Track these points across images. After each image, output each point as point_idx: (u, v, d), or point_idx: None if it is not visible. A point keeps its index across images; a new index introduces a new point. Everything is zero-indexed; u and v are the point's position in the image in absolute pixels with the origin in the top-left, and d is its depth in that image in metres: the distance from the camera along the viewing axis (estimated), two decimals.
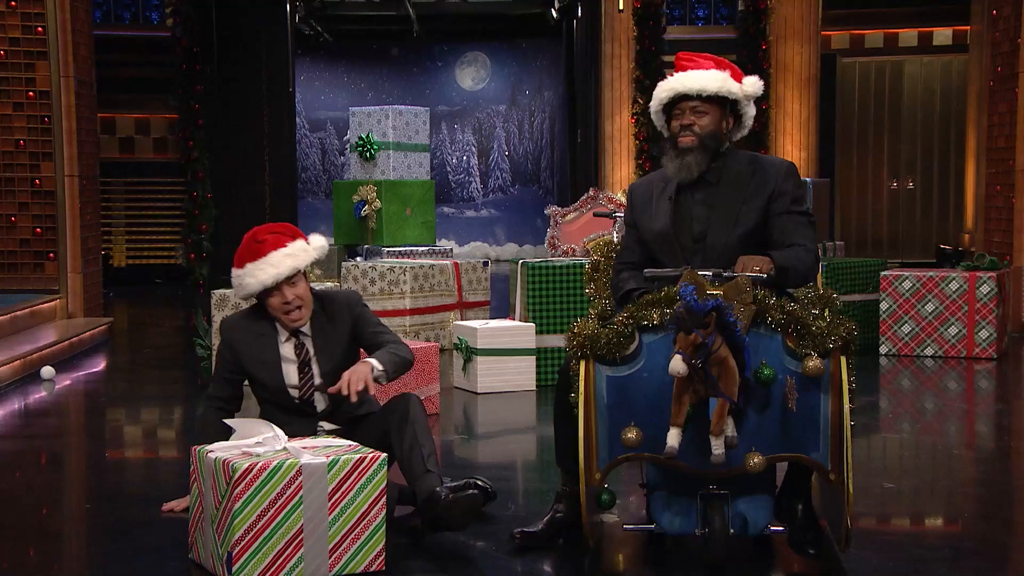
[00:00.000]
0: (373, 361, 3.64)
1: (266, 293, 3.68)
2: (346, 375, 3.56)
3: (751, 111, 3.44)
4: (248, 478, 3.09)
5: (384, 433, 3.65)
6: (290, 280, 3.67)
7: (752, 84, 3.41)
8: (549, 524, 3.52)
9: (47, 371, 6.86)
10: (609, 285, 3.56)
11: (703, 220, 3.34)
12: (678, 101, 3.37)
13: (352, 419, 3.79)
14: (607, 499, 3.25)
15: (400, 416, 3.62)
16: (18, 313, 7.84)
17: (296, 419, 3.73)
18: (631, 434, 3.05)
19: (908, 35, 13.71)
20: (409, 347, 3.83)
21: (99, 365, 7.65)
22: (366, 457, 3.23)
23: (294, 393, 3.74)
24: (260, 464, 3.12)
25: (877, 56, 13.81)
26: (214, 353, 6.42)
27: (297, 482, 3.14)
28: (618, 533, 3.64)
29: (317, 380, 3.74)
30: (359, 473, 3.21)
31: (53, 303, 8.49)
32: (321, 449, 3.28)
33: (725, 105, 3.38)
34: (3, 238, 8.65)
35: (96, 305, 9.12)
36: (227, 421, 3.62)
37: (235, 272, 3.72)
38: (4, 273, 8.63)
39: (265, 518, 3.11)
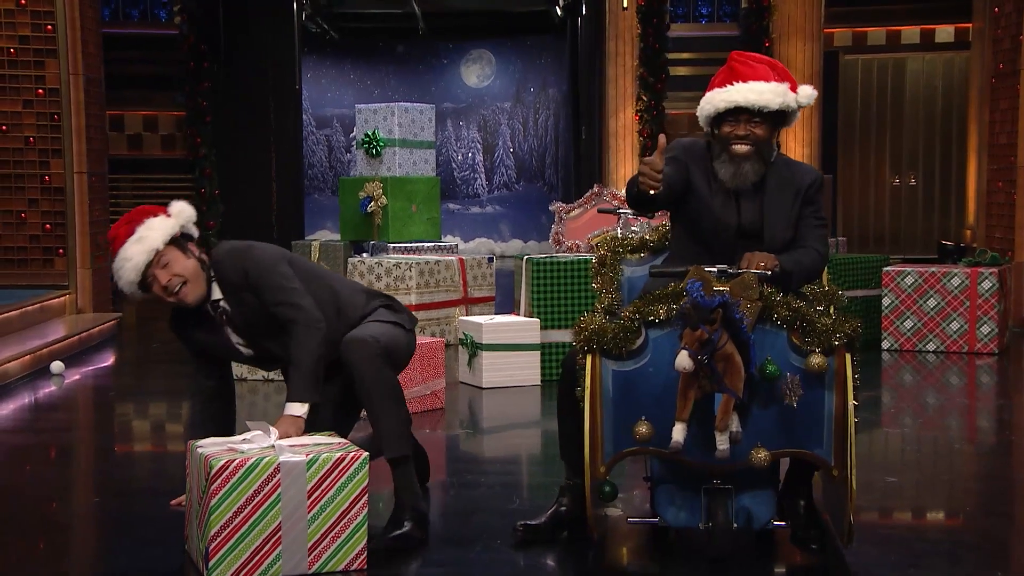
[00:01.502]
0: (294, 408, 3.37)
1: (145, 287, 3.48)
2: (281, 433, 3.32)
3: (796, 116, 3.39)
4: (225, 474, 3.06)
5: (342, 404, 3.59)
6: (158, 263, 3.44)
7: (807, 96, 3.34)
8: (553, 518, 3.51)
9: (56, 366, 6.86)
10: (613, 278, 3.54)
11: (753, 222, 3.30)
12: (736, 111, 3.26)
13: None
14: (609, 491, 3.24)
15: (355, 373, 3.46)
16: (28, 308, 7.84)
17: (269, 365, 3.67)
18: (643, 428, 3.03)
19: (910, 32, 13.67)
20: (310, 337, 3.42)
21: (108, 360, 7.65)
22: (346, 456, 3.18)
23: (246, 352, 3.61)
24: (237, 461, 3.09)
25: (879, 53, 13.77)
26: None
27: (275, 479, 3.10)
28: (622, 527, 3.63)
29: (239, 340, 3.59)
30: (340, 471, 3.17)
31: (62, 298, 8.49)
32: (307, 447, 3.24)
33: (780, 116, 3.31)
34: (13, 234, 8.65)
35: (105, 300, 9.12)
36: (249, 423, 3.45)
37: (114, 268, 3.52)
38: (14, 269, 8.63)
39: (242, 515, 3.09)
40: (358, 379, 3.48)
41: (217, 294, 3.54)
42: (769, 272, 3.09)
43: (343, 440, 3.35)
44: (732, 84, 3.25)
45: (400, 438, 3.51)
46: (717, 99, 3.27)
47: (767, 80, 3.25)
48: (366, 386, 3.48)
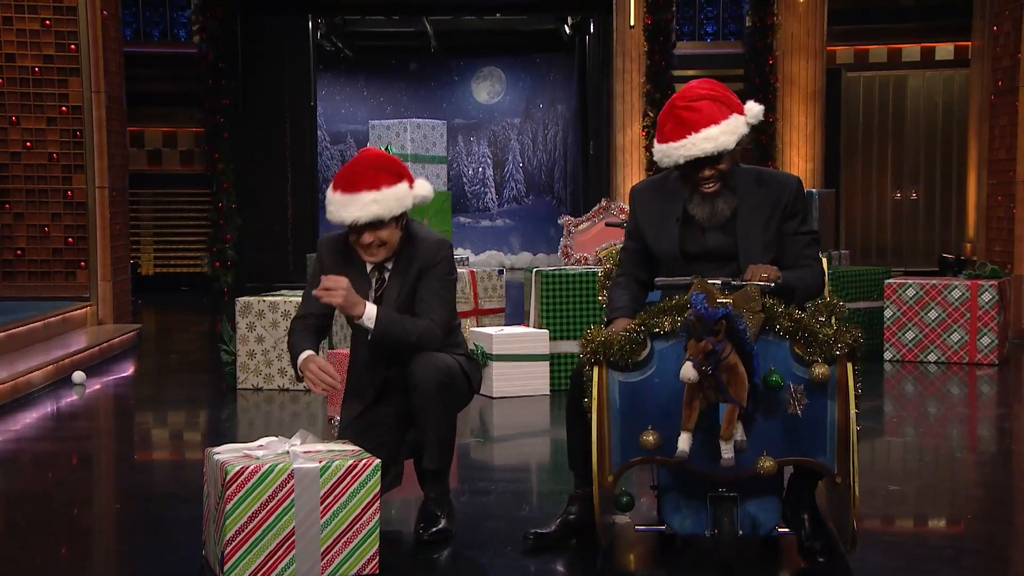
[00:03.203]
0: (370, 308, 3.46)
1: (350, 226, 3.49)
2: (343, 284, 3.40)
3: (759, 110, 3.30)
4: (240, 480, 3.08)
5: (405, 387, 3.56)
6: (372, 225, 3.46)
7: (755, 115, 3.25)
8: (562, 525, 3.51)
9: (78, 376, 6.89)
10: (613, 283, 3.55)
11: (721, 246, 3.28)
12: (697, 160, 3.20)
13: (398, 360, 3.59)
14: (626, 501, 3.24)
15: (422, 392, 3.47)
16: (51, 320, 7.88)
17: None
18: (650, 437, 3.03)
19: (911, 50, 13.66)
20: (428, 333, 3.51)
21: (128, 370, 7.68)
22: (359, 463, 3.20)
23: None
24: (252, 467, 3.11)
25: (881, 70, 13.76)
26: (238, 358, 6.45)
27: (289, 485, 3.12)
28: (630, 534, 3.63)
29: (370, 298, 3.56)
30: (352, 478, 3.18)
31: (84, 310, 8.53)
32: (320, 454, 3.26)
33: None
34: (36, 247, 8.70)
35: (125, 312, 9.16)
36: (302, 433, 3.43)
37: (328, 194, 3.50)
38: (37, 281, 8.68)
39: (256, 520, 3.10)
40: (424, 391, 3.48)
41: (390, 262, 3.57)
42: (772, 284, 3.09)
43: (356, 448, 3.36)
44: (686, 136, 3.16)
45: (445, 451, 3.56)
46: (676, 155, 3.19)
47: (717, 122, 3.17)
48: (431, 401, 3.49)
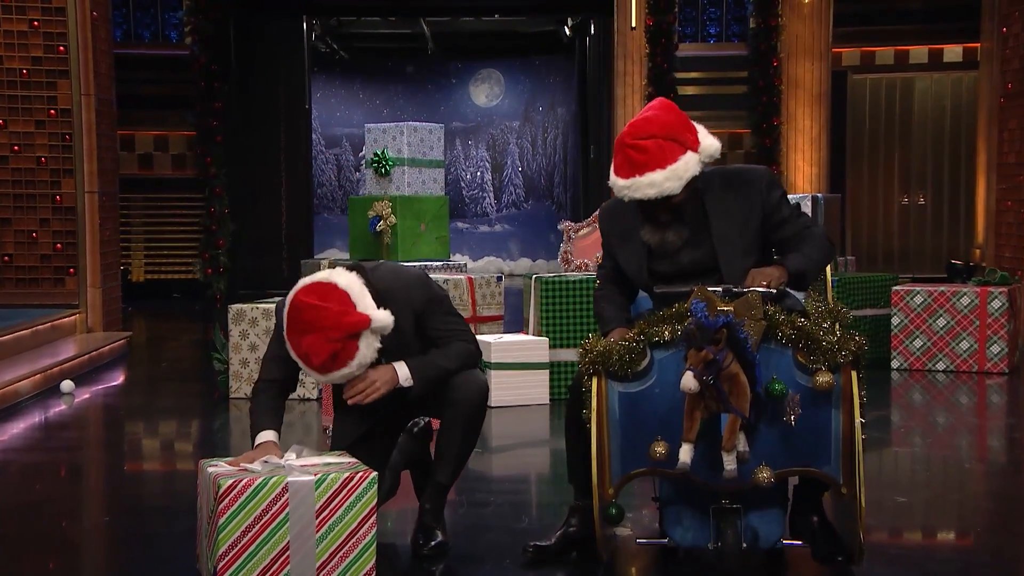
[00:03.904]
0: (401, 368, 3.43)
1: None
2: (370, 377, 3.37)
3: (716, 146, 3.22)
4: (233, 493, 3.08)
5: (435, 401, 3.55)
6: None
7: (709, 155, 3.18)
8: (562, 538, 3.51)
9: (67, 385, 6.89)
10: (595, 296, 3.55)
11: (700, 259, 3.26)
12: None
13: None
14: (616, 514, 3.25)
15: (459, 410, 3.49)
16: (39, 327, 7.88)
17: (380, 411, 3.55)
18: (660, 448, 3.02)
19: (918, 52, 13.70)
20: (464, 353, 3.51)
21: (118, 379, 7.68)
22: (355, 476, 3.19)
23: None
24: (245, 481, 3.11)
25: (887, 73, 13.80)
26: (231, 367, 6.45)
27: (283, 499, 3.12)
28: (631, 547, 3.64)
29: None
30: (348, 491, 3.18)
31: (73, 317, 8.54)
32: (316, 467, 3.25)
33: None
34: (24, 253, 8.71)
35: (115, 319, 9.16)
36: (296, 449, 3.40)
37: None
38: (25, 288, 8.69)
39: (250, 534, 3.10)
40: (462, 409, 3.49)
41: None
42: (774, 292, 3.09)
43: (353, 460, 3.36)
44: (631, 178, 3.13)
45: (460, 466, 3.61)
46: (622, 193, 3.18)
47: (663, 166, 3.09)
48: (465, 419, 3.51)
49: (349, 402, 3.41)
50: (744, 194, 3.26)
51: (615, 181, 3.20)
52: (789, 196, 3.54)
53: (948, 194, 13.74)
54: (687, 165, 3.14)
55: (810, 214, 7.71)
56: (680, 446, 3.00)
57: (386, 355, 3.42)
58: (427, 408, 3.66)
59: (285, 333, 3.31)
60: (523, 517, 4.07)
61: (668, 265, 3.30)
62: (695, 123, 3.25)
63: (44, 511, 4.31)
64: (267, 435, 3.42)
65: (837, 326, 3.13)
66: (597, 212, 8.98)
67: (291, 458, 3.31)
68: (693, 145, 3.17)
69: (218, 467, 3.26)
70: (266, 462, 3.26)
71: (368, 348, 3.29)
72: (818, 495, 3.39)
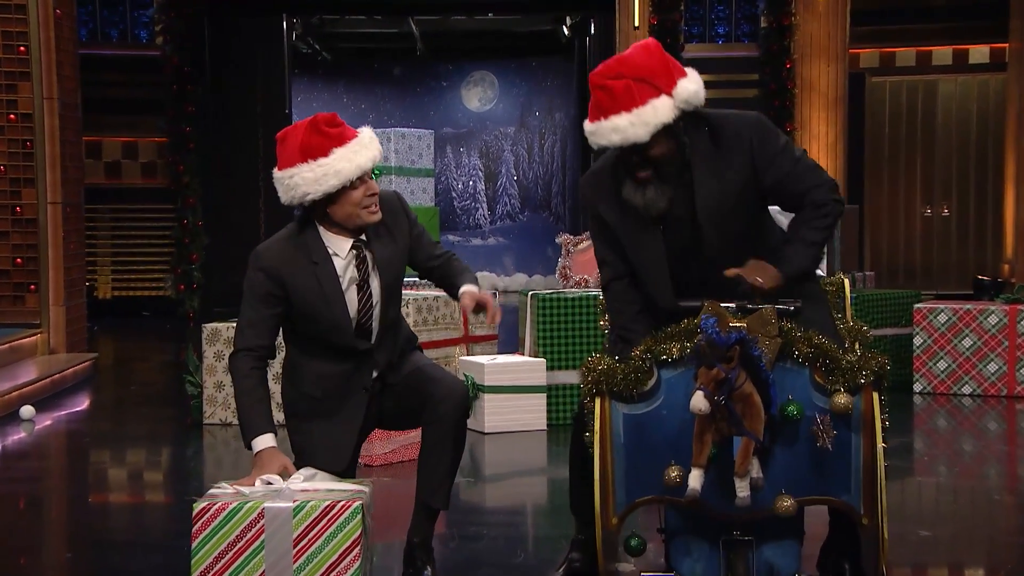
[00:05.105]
0: (472, 288, 3.66)
1: (342, 189, 3.39)
2: (486, 301, 3.63)
3: (694, 91, 3.09)
4: (205, 517, 3.10)
5: (414, 412, 3.56)
6: (363, 180, 3.45)
7: (684, 98, 3.03)
8: (566, 574, 3.51)
9: (27, 410, 6.87)
10: (607, 308, 3.46)
11: (687, 240, 3.18)
12: None
13: (395, 363, 3.58)
14: (636, 544, 3.22)
15: (446, 426, 3.52)
16: None
17: (345, 362, 3.49)
18: (674, 472, 3.00)
19: (942, 53, 13.76)
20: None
21: (83, 403, 7.66)
22: (336, 504, 3.17)
23: (349, 324, 3.45)
24: (219, 504, 3.12)
25: (909, 75, 13.86)
26: (205, 390, 6.44)
27: (259, 525, 3.12)
28: None
29: (376, 297, 3.48)
30: (328, 520, 3.16)
31: (34, 338, 8.52)
32: (321, 493, 3.25)
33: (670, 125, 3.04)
34: None
35: (80, 340, 9.15)
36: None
37: (309, 167, 3.37)
38: None
39: (223, 560, 3.11)
40: (449, 423, 3.52)
41: (363, 233, 3.51)
42: (791, 308, 3.08)
43: (359, 487, 3.32)
44: (596, 121, 3.04)
45: (448, 492, 3.60)
46: (591, 140, 3.09)
47: (629, 108, 2.98)
48: (453, 434, 3.53)
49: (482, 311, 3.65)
50: (730, 150, 3.13)
51: (585, 125, 3.13)
52: None
53: (974, 205, 13.79)
54: (656, 110, 2.99)
55: None
56: (689, 472, 2.99)
57: (379, 246, 3.51)
58: (406, 418, 3.65)
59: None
60: (519, 552, 4.06)
61: (655, 241, 3.16)
62: (688, 68, 3.15)
63: (1, 546, 4.29)
64: (265, 440, 3.35)
65: (857, 345, 3.13)
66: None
67: (297, 480, 3.29)
68: (668, 86, 3.03)
69: (223, 490, 3.25)
70: (269, 483, 3.25)
71: (372, 144, 3.53)
72: (853, 534, 3.32)
